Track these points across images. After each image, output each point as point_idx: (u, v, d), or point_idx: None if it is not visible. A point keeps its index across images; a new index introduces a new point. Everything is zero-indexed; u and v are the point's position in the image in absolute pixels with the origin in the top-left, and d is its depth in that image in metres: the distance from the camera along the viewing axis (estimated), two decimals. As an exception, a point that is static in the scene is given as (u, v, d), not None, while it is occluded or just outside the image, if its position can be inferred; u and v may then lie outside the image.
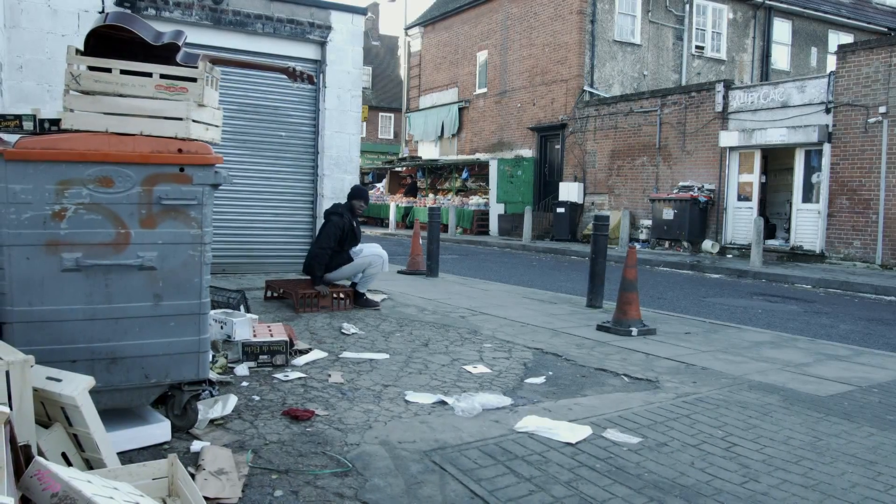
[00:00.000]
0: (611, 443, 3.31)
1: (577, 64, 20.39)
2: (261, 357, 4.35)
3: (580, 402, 3.96)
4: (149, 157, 2.92)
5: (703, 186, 16.45)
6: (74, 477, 1.99)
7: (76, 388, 2.47)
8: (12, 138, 2.88)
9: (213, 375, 3.74)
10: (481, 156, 24.22)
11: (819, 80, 14.45)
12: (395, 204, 25.15)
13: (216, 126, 3.27)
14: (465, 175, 25.06)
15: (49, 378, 2.52)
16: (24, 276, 2.79)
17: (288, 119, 8.55)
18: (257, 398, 3.76)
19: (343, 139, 8.71)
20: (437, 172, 26.95)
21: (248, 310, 5.53)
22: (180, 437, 3.12)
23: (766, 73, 22.94)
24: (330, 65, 8.54)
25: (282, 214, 8.65)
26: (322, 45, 8.56)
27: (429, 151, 28.10)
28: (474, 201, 23.61)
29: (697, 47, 22.29)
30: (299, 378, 4.18)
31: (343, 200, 8.84)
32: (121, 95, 2.95)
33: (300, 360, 4.53)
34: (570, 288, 9.71)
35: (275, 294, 6.94)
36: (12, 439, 2.06)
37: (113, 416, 2.98)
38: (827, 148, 13.99)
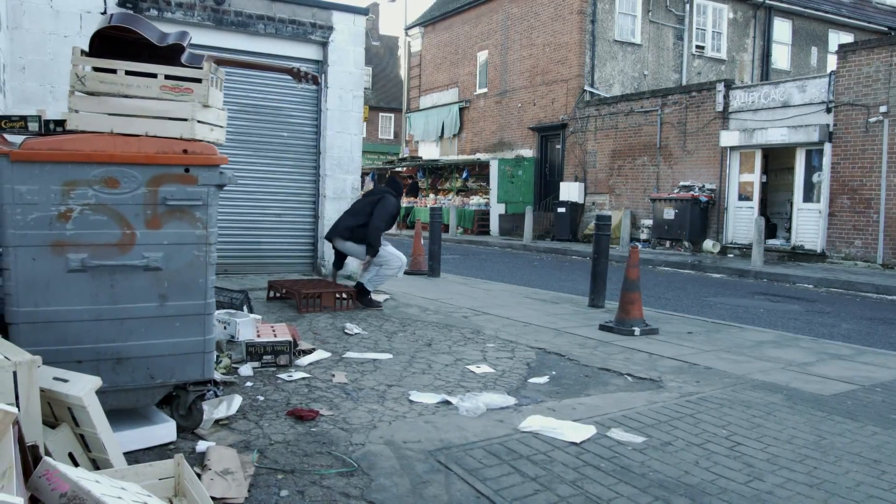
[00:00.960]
0: (615, 442, 3.31)
1: (578, 64, 20.39)
2: (264, 357, 4.35)
3: (584, 402, 3.96)
4: (154, 157, 2.92)
5: (703, 186, 16.45)
6: (83, 477, 1.99)
7: (83, 388, 2.48)
8: (17, 139, 2.88)
9: (217, 376, 3.75)
10: (482, 156, 24.23)
11: (820, 79, 14.45)
12: (395, 204, 25.08)
13: (221, 127, 3.27)
14: (465, 175, 25.07)
15: (56, 379, 2.53)
16: (29, 277, 2.80)
17: (290, 119, 8.56)
18: (262, 398, 3.77)
19: (345, 139, 8.72)
20: (437, 172, 26.96)
21: (251, 310, 5.54)
22: (185, 437, 3.13)
23: (766, 72, 22.94)
24: (332, 65, 8.54)
25: (284, 215, 8.65)
26: (324, 45, 8.57)
27: (429, 151, 28.11)
28: (475, 201, 23.62)
29: (698, 47, 22.30)
30: (303, 378, 4.19)
31: (345, 200, 8.87)
32: (126, 96, 2.96)
33: (304, 361, 4.54)
34: (571, 288, 9.72)
35: (277, 294, 6.95)
36: (20, 440, 2.07)
37: (118, 416, 2.98)
38: (828, 147, 13.99)
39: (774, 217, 16.56)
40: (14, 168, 2.74)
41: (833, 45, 22.77)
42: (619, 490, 2.79)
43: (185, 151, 2.96)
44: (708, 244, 15.99)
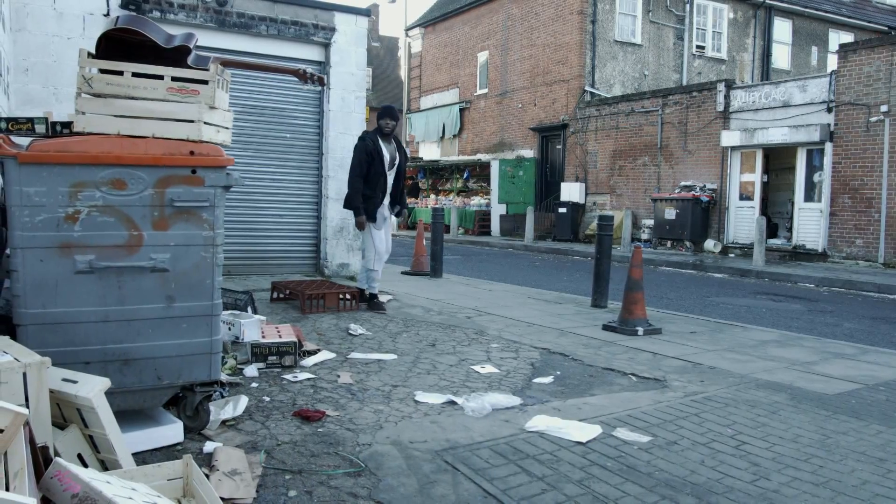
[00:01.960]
0: (621, 442, 3.32)
1: (578, 64, 20.40)
2: (269, 358, 4.36)
3: (589, 402, 3.97)
4: (161, 159, 2.93)
5: (704, 186, 16.46)
6: (94, 478, 2.00)
7: (92, 389, 2.49)
8: (24, 141, 2.89)
9: (222, 377, 3.76)
10: (482, 156, 24.24)
11: (820, 79, 14.46)
12: (396, 204, 25.11)
13: (227, 128, 3.28)
14: (466, 176, 25.07)
15: (65, 380, 2.54)
16: (37, 279, 2.81)
17: (292, 120, 8.57)
18: (267, 399, 3.77)
19: (347, 140, 8.71)
20: (438, 173, 26.96)
21: (255, 311, 5.55)
22: (192, 438, 3.13)
23: (766, 72, 22.95)
24: (334, 66, 8.55)
25: (286, 216, 8.66)
26: (326, 46, 8.58)
27: (430, 152, 28.11)
28: (476, 202, 23.63)
29: (698, 47, 22.31)
30: (308, 379, 4.19)
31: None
32: (132, 98, 2.97)
33: (309, 361, 4.55)
34: (573, 288, 9.73)
35: (280, 295, 6.95)
36: (31, 440, 2.08)
37: (125, 417, 2.98)
38: (829, 147, 14.00)
39: (775, 217, 16.56)
40: (22, 170, 2.75)
41: (833, 44, 22.79)
42: (626, 489, 2.80)
43: (191, 153, 2.97)
44: (709, 244, 16.00)
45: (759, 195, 15.72)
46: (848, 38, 22.80)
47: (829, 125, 13.97)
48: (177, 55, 3.16)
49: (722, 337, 6.12)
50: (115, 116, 2.95)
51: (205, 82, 3.04)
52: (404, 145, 6.50)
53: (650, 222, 17.39)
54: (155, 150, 2.93)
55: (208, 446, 3.02)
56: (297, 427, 3.36)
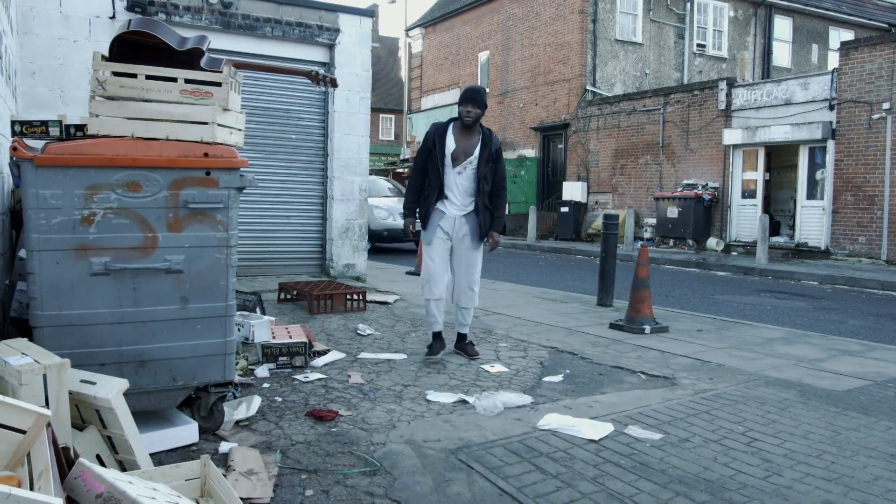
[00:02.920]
0: (633, 439, 3.34)
1: (579, 63, 20.42)
2: (280, 359, 4.37)
3: (599, 400, 3.98)
4: (175, 161, 2.94)
5: (707, 184, 16.47)
6: (118, 478, 2.02)
7: (111, 390, 2.50)
8: (38, 144, 2.90)
9: (234, 377, 3.77)
10: (484, 156, 24.20)
11: (822, 77, 14.48)
12: (398, 205, 25.15)
13: (240, 130, 3.30)
14: (467, 175, 25.03)
15: (83, 381, 2.55)
16: (53, 281, 2.82)
17: (298, 122, 8.58)
18: (279, 399, 3.79)
19: (352, 141, 8.74)
20: (439, 173, 26.93)
21: (263, 312, 5.57)
22: (207, 438, 3.15)
23: (767, 70, 22.96)
24: (338, 67, 8.56)
25: (292, 217, 8.67)
26: (330, 47, 8.59)
27: (431, 152, 28.09)
28: (478, 202, 23.60)
29: (699, 45, 22.32)
30: (319, 379, 4.21)
31: (353, 202, 8.90)
32: (146, 100, 2.98)
33: (319, 362, 4.56)
34: (578, 287, 9.74)
35: (288, 296, 6.97)
36: (54, 441, 2.10)
37: (140, 418, 2.99)
38: (831, 145, 14.01)
39: (778, 214, 16.57)
40: (38, 173, 2.76)
41: (834, 42, 22.81)
42: (640, 486, 2.81)
43: (205, 155, 2.99)
44: (711, 242, 16.01)
45: (761, 193, 15.73)
46: (848, 35, 22.79)
47: (830, 123, 13.98)
48: (189, 58, 3.18)
49: (729, 335, 6.13)
50: (129, 119, 2.96)
51: (218, 84, 3.06)
52: (496, 140, 4.92)
53: (652, 221, 17.41)
54: (169, 152, 2.95)
55: (223, 447, 3.03)
56: (310, 427, 3.37)
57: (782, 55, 23.69)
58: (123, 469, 2.57)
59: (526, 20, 22.66)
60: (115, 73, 2.99)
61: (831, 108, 14.01)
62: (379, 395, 3.93)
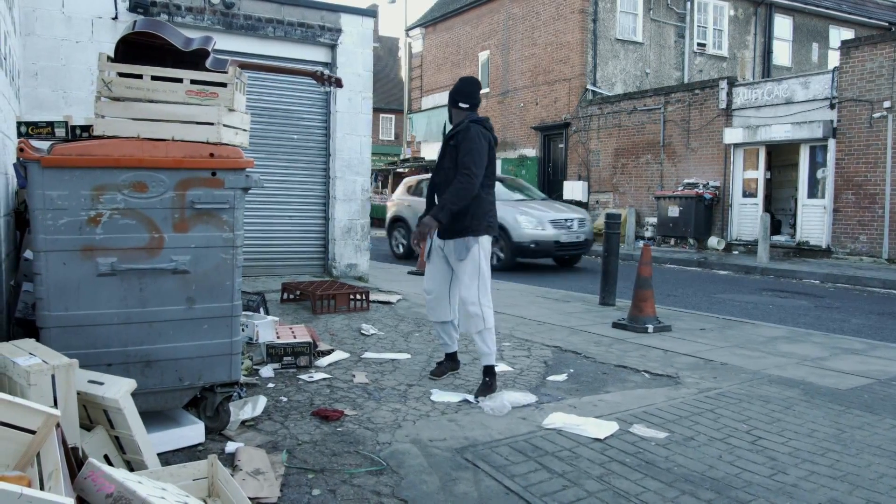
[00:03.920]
0: (638, 438, 3.34)
1: (580, 63, 20.41)
2: (285, 359, 4.38)
3: (604, 399, 3.99)
4: (181, 161, 2.95)
5: (707, 183, 16.47)
6: (128, 478, 2.02)
7: (119, 390, 2.51)
8: (44, 145, 2.91)
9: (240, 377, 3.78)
10: (485, 156, 24.18)
11: (823, 75, 14.47)
12: (399, 205, 25.13)
13: (245, 130, 3.31)
14: (468, 175, 25.01)
15: (91, 381, 2.56)
16: (60, 281, 2.83)
17: (300, 122, 8.58)
18: (285, 399, 3.80)
19: (354, 141, 8.75)
20: (440, 173, 26.91)
21: (266, 312, 5.57)
22: (213, 438, 3.16)
23: (767, 69, 22.95)
24: (340, 67, 8.57)
25: (294, 217, 8.67)
26: (332, 48, 8.60)
27: (432, 152, 28.09)
28: (478, 201, 23.57)
29: (699, 45, 22.31)
30: (324, 379, 4.22)
31: (355, 202, 8.90)
32: (152, 101, 2.99)
33: (323, 361, 4.57)
34: (579, 286, 9.74)
35: (291, 296, 6.98)
36: (64, 441, 2.10)
37: (146, 418, 3.00)
38: (832, 143, 14.00)
39: (779, 213, 16.57)
40: (45, 174, 2.77)
41: (834, 41, 22.79)
42: (646, 484, 2.82)
43: (211, 155, 3.00)
44: (713, 241, 16.01)
45: (762, 192, 15.72)
46: (849, 34, 22.78)
47: (831, 122, 13.97)
48: (195, 58, 3.18)
49: (731, 333, 6.14)
50: (135, 119, 2.97)
51: (223, 85, 3.07)
52: (463, 126, 4.07)
53: (653, 220, 17.40)
54: (175, 153, 2.95)
55: (230, 446, 3.04)
56: (316, 427, 3.38)
57: (783, 54, 23.68)
58: (131, 469, 2.57)
59: (526, 20, 22.65)
60: (121, 74, 3.00)
61: (832, 106, 14.00)
62: (384, 395, 3.94)
